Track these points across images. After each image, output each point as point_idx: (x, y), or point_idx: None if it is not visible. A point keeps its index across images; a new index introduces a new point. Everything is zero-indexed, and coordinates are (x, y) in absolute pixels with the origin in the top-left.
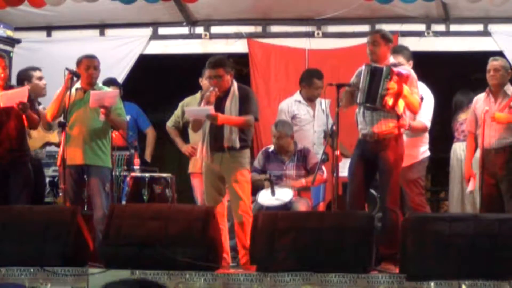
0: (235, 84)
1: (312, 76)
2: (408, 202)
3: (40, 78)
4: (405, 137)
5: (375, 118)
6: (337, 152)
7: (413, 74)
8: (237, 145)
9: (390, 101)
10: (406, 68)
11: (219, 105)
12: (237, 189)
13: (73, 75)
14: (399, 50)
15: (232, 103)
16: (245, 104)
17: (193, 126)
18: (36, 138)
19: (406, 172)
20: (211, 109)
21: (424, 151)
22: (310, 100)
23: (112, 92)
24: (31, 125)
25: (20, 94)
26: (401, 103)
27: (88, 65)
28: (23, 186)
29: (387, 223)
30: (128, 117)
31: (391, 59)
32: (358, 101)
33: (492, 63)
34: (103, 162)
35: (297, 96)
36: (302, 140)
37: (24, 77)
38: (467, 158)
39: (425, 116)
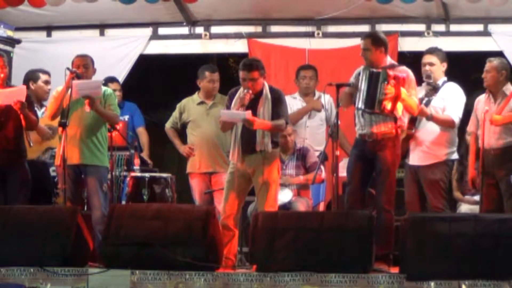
0: (266, 86)
1: (299, 69)
2: (429, 205)
3: (47, 82)
4: (428, 135)
5: (373, 119)
6: (337, 152)
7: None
8: (269, 148)
9: (388, 105)
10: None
11: (251, 106)
12: (265, 188)
13: (76, 75)
14: (432, 51)
15: (265, 107)
16: (278, 107)
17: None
18: (37, 145)
19: (427, 172)
20: (247, 114)
21: (449, 152)
22: (305, 94)
23: (95, 82)
24: (29, 125)
25: (18, 93)
26: (399, 106)
27: (78, 64)
28: (20, 186)
29: (381, 223)
30: (126, 117)
31: (388, 60)
32: (357, 106)
33: (486, 64)
34: (100, 161)
35: (295, 94)
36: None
37: (31, 77)
38: (471, 159)
39: (454, 112)
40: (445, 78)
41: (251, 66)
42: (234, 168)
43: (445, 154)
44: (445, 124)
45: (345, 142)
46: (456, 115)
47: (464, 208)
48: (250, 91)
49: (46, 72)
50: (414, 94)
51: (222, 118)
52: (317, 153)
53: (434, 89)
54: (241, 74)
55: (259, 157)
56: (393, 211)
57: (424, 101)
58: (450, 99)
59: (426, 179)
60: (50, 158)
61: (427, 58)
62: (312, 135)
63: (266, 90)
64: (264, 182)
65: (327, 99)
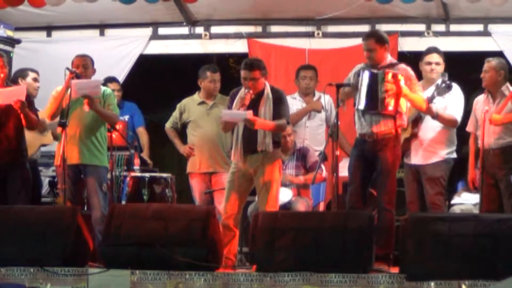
0: (268, 86)
1: (299, 69)
2: (427, 201)
3: (35, 80)
4: (430, 134)
5: (373, 119)
6: (337, 152)
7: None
8: (271, 148)
9: (391, 102)
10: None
11: (253, 106)
12: (267, 188)
13: (75, 75)
14: (438, 50)
15: (266, 107)
16: (279, 107)
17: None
18: (31, 143)
19: (428, 169)
20: (249, 114)
21: (450, 151)
22: (305, 94)
23: (94, 81)
24: (29, 124)
25: (18, 92)
26: (402, 103)
27: (78, 64)
28: (21, 186)
29: (382, 223)
30: (126, 117)
31: (389, 58)
32: (358, 107)
33: (484, 65)
34: (100, 161)
35: (295, 94)
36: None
37: (20, 74)
38: (470, 160)
39: (455, 111)
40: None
41: (252, 65)
42: (235, 168)
43: (446, 152)
44: (449, 123)
45: (345, 142)
46: (458, 115)
47: (457, 209)
48: (251, 91)
49: (35, 71)
50: (419, 90)
51: (224, 118)
52: (316, 153)
53: (448, 87)
54: (242, 73)
55: (260, 157)
56: (394, 211)
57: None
58: (452, 99)
59: (426, 176)
60: (40, 157)
61: (434, 58)
62: (312, 135)
63: (268, 90)
64: (265, 182)
65: (327, 100)
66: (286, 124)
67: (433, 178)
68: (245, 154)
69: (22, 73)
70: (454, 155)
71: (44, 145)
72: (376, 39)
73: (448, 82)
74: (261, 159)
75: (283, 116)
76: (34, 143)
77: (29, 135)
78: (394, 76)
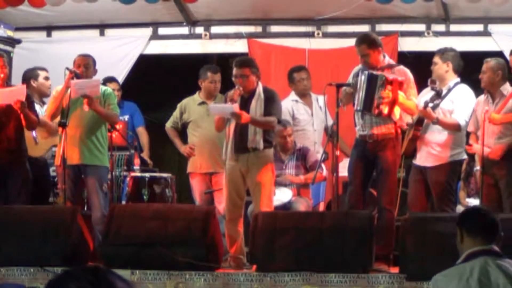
0: (260, 85)
1: (292, 72)
2: (434, 206)
3: (47, 78)
4: (435, 136)
5: (374, 120)
6: (337, 152)
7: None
8: (261, 146)
9: (385, 109)
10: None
11: (244, 105)
12: (259, 188)
13: (74, 75)
14: (438, 51)
15: (257, 104)
16: (270, 105)
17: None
18: (42, 144)
19: (432, 173)
20: (235, 107)
21: (455, 153)
22: (303, 95)
23: (93, 81)
24: (29, 125)
25: (18, 92)
26: (396, 110)
27: (79, 64)
28: (21, 186)
29: (382, 223)
30: (126, 117)
31: (386, 59)
32: (355, 107)
33: (483, 65)
34: (100, 161)
35: (293, 95)
36: (304, 140)
37: (31, 75)
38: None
39: (460, 114)
40: (457, 80)
41: (241, 63)
42: (229, 168)
43: (450, 155)
44: (451, 128)
45: (343, 144)
46: (462, 118)
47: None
48: (241, 88)
49: (44, 69)
50: (413, 94)
51: (211, 112)
52: (317, 154)
53: (437, 94)
54: (233, 71)
55: (251, 156)
56: (394, 211)
57: (431, 105)
58: (459, 102)
59: (432, 181)
60: (51, 157)
61: (434, 59)
62: (321, 138)
63: (260, 89)
64: (257, 183)
65: (323, 99)
66: (276, 121)
67: (438, 183)
68: (236, 153)
69: (33, 73)
70: (461, 157)
71: (55, 145)
72: (368, 45)
73: (437, 89)
74: (252, 159)
75: (273, 114)
76: (46, 142)
77: (41, 134)
78: (394, 83)
